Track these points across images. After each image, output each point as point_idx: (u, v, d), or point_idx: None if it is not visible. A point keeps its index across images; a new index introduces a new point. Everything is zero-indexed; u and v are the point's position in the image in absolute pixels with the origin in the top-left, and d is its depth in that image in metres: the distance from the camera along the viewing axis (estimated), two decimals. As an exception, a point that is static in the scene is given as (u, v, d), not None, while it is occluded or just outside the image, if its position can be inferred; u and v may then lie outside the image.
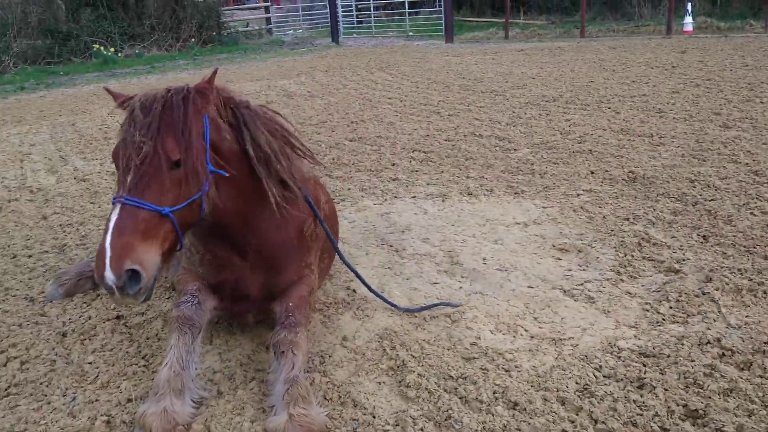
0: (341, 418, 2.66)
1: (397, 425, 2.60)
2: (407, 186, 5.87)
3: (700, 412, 2.51)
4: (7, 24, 19.41)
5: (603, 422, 2.51)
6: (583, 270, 3.95)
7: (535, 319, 3.40)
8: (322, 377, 2.95)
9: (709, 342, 2.99)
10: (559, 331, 3.25)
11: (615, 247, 4.21)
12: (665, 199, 4.99)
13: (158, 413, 2.57)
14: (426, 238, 4.60)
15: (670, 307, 3.39)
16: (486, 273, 3.99)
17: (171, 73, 16.57)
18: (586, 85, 10.33)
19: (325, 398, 2.79)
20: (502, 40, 20.70)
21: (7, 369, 3.23)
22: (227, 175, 2.69)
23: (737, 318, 3.22)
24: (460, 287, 3.83)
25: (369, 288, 3.51)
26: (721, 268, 3.76)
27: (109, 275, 2.22)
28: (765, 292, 3.45)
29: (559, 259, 4.13)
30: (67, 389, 3.01)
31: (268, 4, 30.00)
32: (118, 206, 2.35)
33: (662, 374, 2.78)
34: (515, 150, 6.80)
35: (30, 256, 4.76)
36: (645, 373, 2.80)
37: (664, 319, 3.28)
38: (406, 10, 26.64)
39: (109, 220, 2.34)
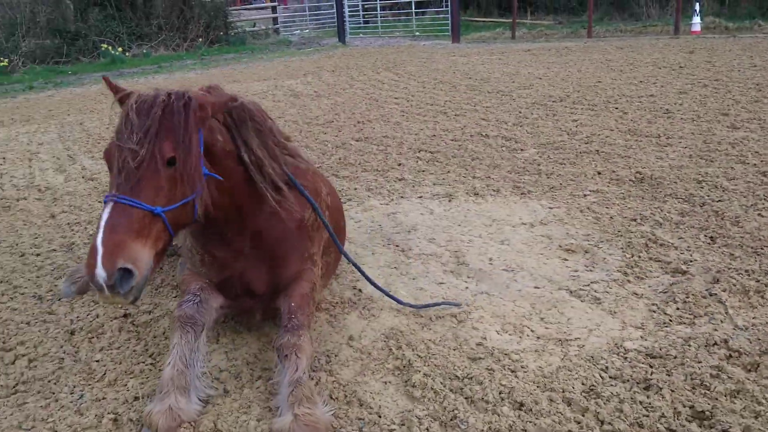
0: (347, 418, 2.67)
1: (403, 425, 2.60)
2: (413, 186, 5.87)
3: (707, 413, 2.51)
4: (16, 24, 19.52)
5: (609, 423, 2.50)
6: (590, 271, 3.94)
7: (542, 319, 3.40)
8: (328, 376, 2.96)
9: (716, 343, 2.98)
10: (565, 332, 3.24)
11: (622, 248, 4.20)
12: (672, 200, 4.98)
13: (163, 411, 2.60)
14: (432, 238, 4.60)
15: (677, 308, 3.38)
16: (492, 273, 3.99)
17: (178, 72, 16.62)
18: (593, 86, 10.30)
19: (331, 397, 2.80)
20: (509, 40, 20.67)
21: (16, 366, 3.25)
22: (221, 179, 2.71)
23: (744, 319, 3.21)
24: (466, 287, 3.83)
25: (368, 279, 3.49)
26: (729, 269, 3.75)
27: (100, 273, 2.20)
28: (773, 294, 3.44)
29: (566, 259, 4.13)
30: (74, 387, 3.03)
31: (275, 4, 30.07)
32: (111, 204, 2.34)
33: (669, 375, 2.77)
34: (522, 150, 6.79)
35: (38, 255, 4.79)
36: (651, 374, 2.79)
37: (670, 320, 3.27)
38: (413, 10, 26.62)
39: (100, 218, 2.33)
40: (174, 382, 2.68)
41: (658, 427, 2.46)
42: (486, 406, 2.66)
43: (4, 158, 8.18)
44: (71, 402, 2.91)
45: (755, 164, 5.66)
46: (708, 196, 4.98)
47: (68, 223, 5.47)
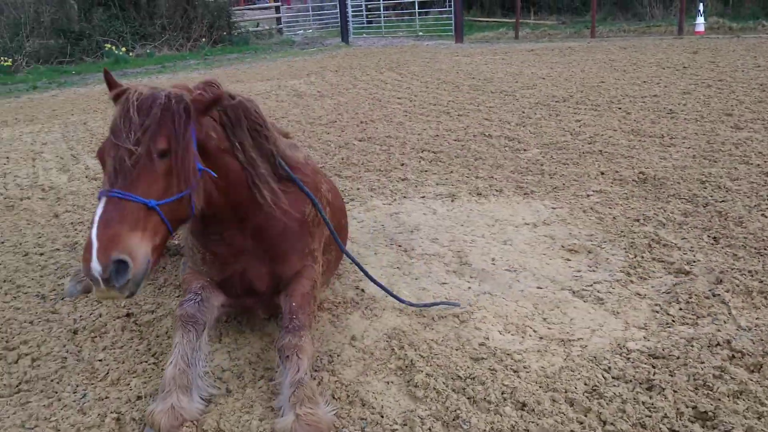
0: (349, 418, 2.67)
1: (405, 425, 2.60)
2: (416, 186, 5.87)
3: (710, 414, 2.50)
4: (20, 24, 19.57)
5: (612, 424, 2.50)
6: (593, 271, 3.94)
7: (544, 319, 3.39)
8: (330, 376, 2.96)
9: (719, 344, 2.98)
10: (568, 332, 3.24)
11: (625, 248, 4.19)
12: (676, 200, 4.97)
13: (166, 410, 2.60)
14: (435, 238, 4.60)
15: (680, 309, 3.37)
16: (495, 273, 3.98)
17: (182, 72, 16.64)
18: (596, 86, 10.29)
19: (334, 397, 2.80)
20: (512, 40, 20.66)
21: (19, 366, 3.26)
22: (215, 176, 2.71)
23: (747, 320, 3.20)
24: (469, 287, 3.82)
25: (369, 276, 3.48)
26: (732, 269, 3.74)
27: (95, 266, 2.19)
28: (776, 295, 3.43)
29: (569, 259, 4.12)
30: (77, 386, 3.04)
31: (279, 4, 30.08)
32: (104, 199, 2.34)
33: (672, 376, 2.77)
34: (525, 150, 6.79)
35: (42, 254, 4.80)
36: (654, 374, 2.79)
37: (673, 321, 3.27)
38: (416, 10, 26.63)
39: (95, 213, 2.33)
40: (176, 382, 2.69)
41: (660, 428, 2.46)
42: (488, 406, 2.66)
43: (7, 158, 8.21)
44: (74, 401, 2.92)
45: (759, 165, 5.65)
46: (711, 196, 4.97)
47: (71, 223, 5.49)
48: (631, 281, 3.75)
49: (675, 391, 2.66)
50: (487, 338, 3.22)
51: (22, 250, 4.92)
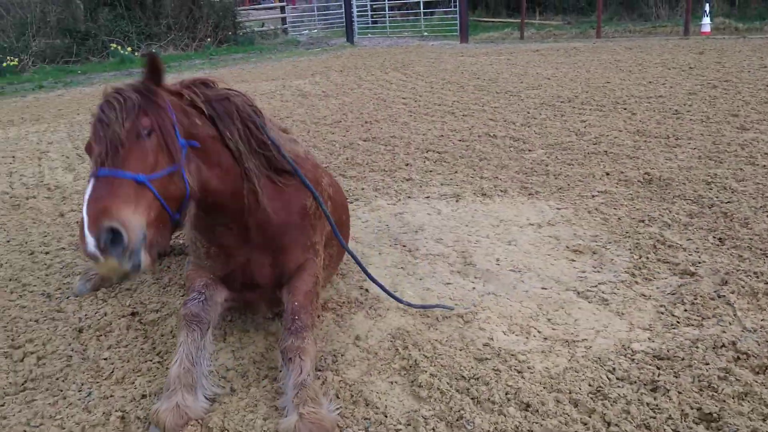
0: (353, 417, 2.67)
1: (409, 425, 2.60)
2: (421, 186, 5.87)
3: (715, 415, 2.50)
4: (26, 23, 19.63)
5: (616, 425, 2.50)
6: (598, 272, 3.93)
7: (549, 320, 3.39)
8: (334, 376, 2.96)
9: (724, 345, 2.97)
10: (572, 333, 3.24)
11: (630, 249, 4.18)
12: (681, 201, 4.96)
13: (171, 409, 2.61)
14: (439, 239, 4.60)
15: (685, 310, 3.37)
16: (499, 274, 3.98)
17: (187, 72, 16.68)
18: (601, 86, 10.27)
19: (337, 397, 2.81)
20: (518, 40, 20.63)
21: (24, 364, 3.28)
22: (198, 145, 2.71)
23: (753, 321, 3.19)
24: (473, 288, 3.82)
25: (364, 271, 3.47)
26: (737, 271, 3.73)
27: (89, 239, 2.19)
28: (782, 296, 3.42)
29: (573, 260, 4.12)
30: (82, 384, 3.05)
31: (284, 4, 30.10)
32: (92, 180, 2.35)
33: (676, 377, 2.76)
34: (530, 151, 6.78)
35: (47, 253, 4.82)
36: (659, 375, 2.78)
37: (678, 322, 3.26)
38: (421, 10, 26.61)
39: (84, 194, 2.34)
40: (181, 380, 2.70)
41: (665, 429, 2.45)
42: (492, 406, 2.66)
43: (13, 157, 8.24)
44: (79, 399, 2.93)
45: (765, 165, 5.63)
46: (717, 197, 4.96)
47: (77, 222, 5.50)
48: (636, 282, 3.74)
49: (680, 393, 2.65)
50: (492, 339, 3.22)
51: (27, 248, 4.94)
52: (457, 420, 2.59)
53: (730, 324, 3.19)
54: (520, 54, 16.15)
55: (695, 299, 3.44)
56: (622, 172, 5.77)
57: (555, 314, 3.44)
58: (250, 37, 24.53)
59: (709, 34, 17.44)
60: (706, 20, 17.71)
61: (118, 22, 20.82)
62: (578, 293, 3.66)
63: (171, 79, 2.69)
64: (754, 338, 3.02)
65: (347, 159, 6.92)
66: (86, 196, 2.31)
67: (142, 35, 21.33)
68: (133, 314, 3.75)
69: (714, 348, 2.96)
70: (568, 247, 4.30)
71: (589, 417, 2.56)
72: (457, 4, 22.25)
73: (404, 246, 4.51)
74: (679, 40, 16.90)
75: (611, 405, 2.62)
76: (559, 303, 3.56)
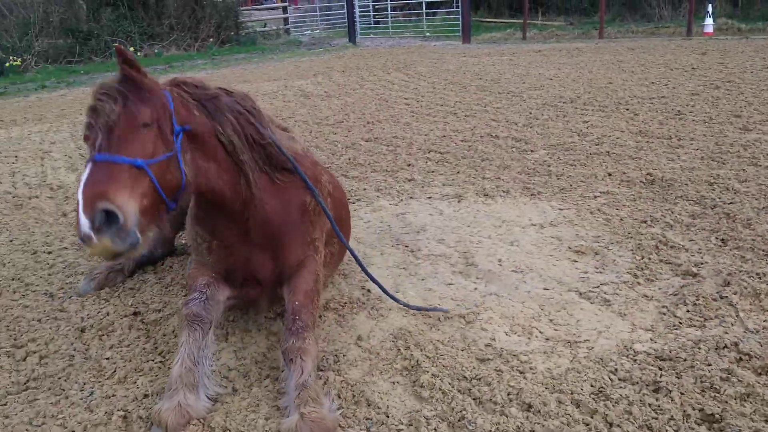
0: (355, 417, 2.68)
1: (411, 425, 2.60)
2: (423, 186, 5.87)
3: (717, 416, 2.49)
4: (29, 23, 19.68)
5: (618, 425, 2.49)
6: (600, 272, 3.93)
7: (551, 321, 3.39)
8: (336, 376, 2.96)
9: (726, 346, 2.97)
10: (574, 334, 3.23)
11: (632, 250, 4.18)
12: (683, 202, 4.95)
13: (172, 408, 2.62)
14: (441, 239, 4.60)
15: (688, 311, 3.36)
16: (501, 274, 3.98)
17: (189, 72, 16.70)
18: (604, 87, 10.26)
19: (339, 397, 2.81)
20: (520, 40, 20.62)
21: (27, 363, 3.28)
22: (190, 129, 2.72)
23: (755, 322, 3.19)
24: (475, 288, 3.82)
25: (360, 264, 3.46)
26: (740, 271, 3.72)
27: (83, 221, 2.20)
28: (784, 297, 3.41)
29: (576, 261, 4.11)
30: (84, 384, 3.05)
31: (286, 4, 30.14)
32: (90, 164, 2.36)
33: (678, 378, 2.76)
34: (532, 151, 6.78)
35: (50, 253, 4.83)
36: (661, 376, 2.78)
37: (681, 323, 3.26)
38: (424, 10, 26.61)
39: (80, 178, 2.35)
40: (182, 380, 2.70)
41: (667, 430, 2.45)
42: (494, 407, 2.66)
43: (16, 157, 8.26)
44: (81, 399, 2.93)
45: (767, 166, 5.62)
46: (719, 198, 4.95)
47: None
48: (638, 283, 3.74)
49: (682, 394, 2.65)
50: (494, 339, 3.22)
51: (30, 248, 4.95)
52: (458, 420, 2.59)
53: (732, 325, 3.18)
54: (523, 54, 16.14)
55: (697, 300, 3.43)
56: (625, 173, 5.76)
57: (557, 315, 3.44)
58: (252, 37, 24.56)
59: (712, 35, 17.42)
60: (709, 21, 17.69)
61: (120, 22, 20.86)
62: (580, 294, 3.66)
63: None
64: (757, 339, 3.01)
65: (349, 159, 6.93)
66: (82, 180, 2.33)
67: (145, 35, 21.37)
68: (135, 314, 3.75)
69: (716, 349, 2.96)
70: (570, 248, 4.29)
71: (591, 418, 2.56)
72: (460, 4, 22.24)
73: (406, 246, 4.51)
74: (682, 40, 16.88)
75: (613, 406, 2.62)
76: (561, 304, 3.56)
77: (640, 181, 5.50)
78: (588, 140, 7.00)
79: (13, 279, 4.37)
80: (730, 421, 2.46)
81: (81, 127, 9.65)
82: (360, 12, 27.00)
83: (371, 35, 26.61)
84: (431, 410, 2.68)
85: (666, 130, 7.17)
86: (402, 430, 2.58)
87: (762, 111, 7.70)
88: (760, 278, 3.62)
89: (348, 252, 3.57)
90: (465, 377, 2.88)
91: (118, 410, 2.80)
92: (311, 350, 2.82)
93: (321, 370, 2.99)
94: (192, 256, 3.38)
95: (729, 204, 4.81)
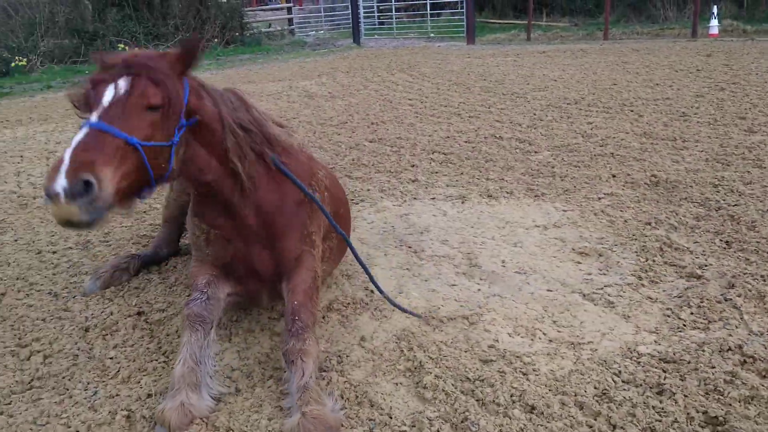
0: (358, 418, 2.68)
1: (414, 426, 2.60)
2: (426, 187, 5.87)
3: (720, 419, 2.49)
4: (35, 23, 19.74)
5: (621, 428, 2.49)
6: (604, 274, 3.92)
7: (554, 322, 3.38)
8: (339, 377, 2.96)
9: (730, 349, 2.96)
10: (578, 336, 3.23)
11: (636, 252, 4.17)
12: (688, 204, 4.94)
13: (175, 408, 2.63)
14: (445, 240, 4.60)
15: (692, 313, 3.35)
16: (505, 276, 3.98)
17: (193, 73, 16.66)
18: (608, 88, 10.25)
19: (342, 398, 2.81)
20: (524, 41, 20.61)
21: (31, 363, 3.29)
22: (197, 120, 2.73)
23: (759, 325, 3.18)
24: (479, 289, 3.82)
25: (357, 257, 3.45)
26: (744, 274, 3.71)
27: (61, 181, 2.17)
28: (789, 300, 3.40)
29: (579, 262, 4.11)
30: (88, 384, 3.06)
31: (291, 5, 30.16)
32: (86, 128, 2.34)
33: (682, 380, 2.75)
34: (536, 152, 6.77)
35: (54, 252, 4.84)
36: (665, 379, 2.77)
37: (685, 325, 3.25)
38: (428, 11, 26.62)
39: (72, 139, 2.33)
40: (185, 379, 2.71)
41: (670, 433, 2.45)
42: (497, 408, 2.66)
43: (21, 156, 8.28)
44: (85, 398, 2.94)
45: (772, 168, 5.61)
46: (724, 200, 4.94)
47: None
48: (642, 285, 3.73)
49: (685, 396, 2.64)
50: (497, 340, 3.21)
51: (35, 248, 4.96)
52: (462, 422, 2.59)
53: (736, 327, 3.17)
54: (527, 55, 16.13)
55: (702, 302, 3.42)
56: (629, 175, 5.75)
57: (560, 316, 3.44)
58: (257, 37, 24.58)
59: (717, 36, 17.38)
60: (714, 22, 17.65)
61: (125, 22, 20.90)
62: (584, 295, 3.65)
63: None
64: (761, 342, 3.00)
65: (353, 160, 6.93)
66: (74, 141, 2.31)
67: (150, 35, 21.40)
68: (139, 314, 3.76)
69: (720, 351, 2.95)
70: (574, 249, 4.29)
71: (595, 420, 2.56)
72: (464, 5, 22.24)
73: (410, 247, 4.51)
74: (687, 42, 16.85)
75: (617, 408, 2.61)
76: (565, 305, 3.55)
77: (645, 183, 5.49)
78: (592, 141, 6.99)
79: (17, 278, 4.39)
80: (734, 423, 2.45)
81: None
82: (364, 13, 27.02)
83: (375, 36, 26.62)
84: (434, 411, 2.68)
85: (670, 131, 7.16)
86: (405, 431, 2.58)
87: (767, 113, 7.68)
88: (764, 281, 3.61)
89: (349, 250, 3.58)
90: (468, 378, 2.87)
91: (122, 410, 2.81)
92: (312, 351, 2.82)
93: (324, 371, 3.00)
94: (192, 252, 3.38)
95: (733, 206, 4.80)
